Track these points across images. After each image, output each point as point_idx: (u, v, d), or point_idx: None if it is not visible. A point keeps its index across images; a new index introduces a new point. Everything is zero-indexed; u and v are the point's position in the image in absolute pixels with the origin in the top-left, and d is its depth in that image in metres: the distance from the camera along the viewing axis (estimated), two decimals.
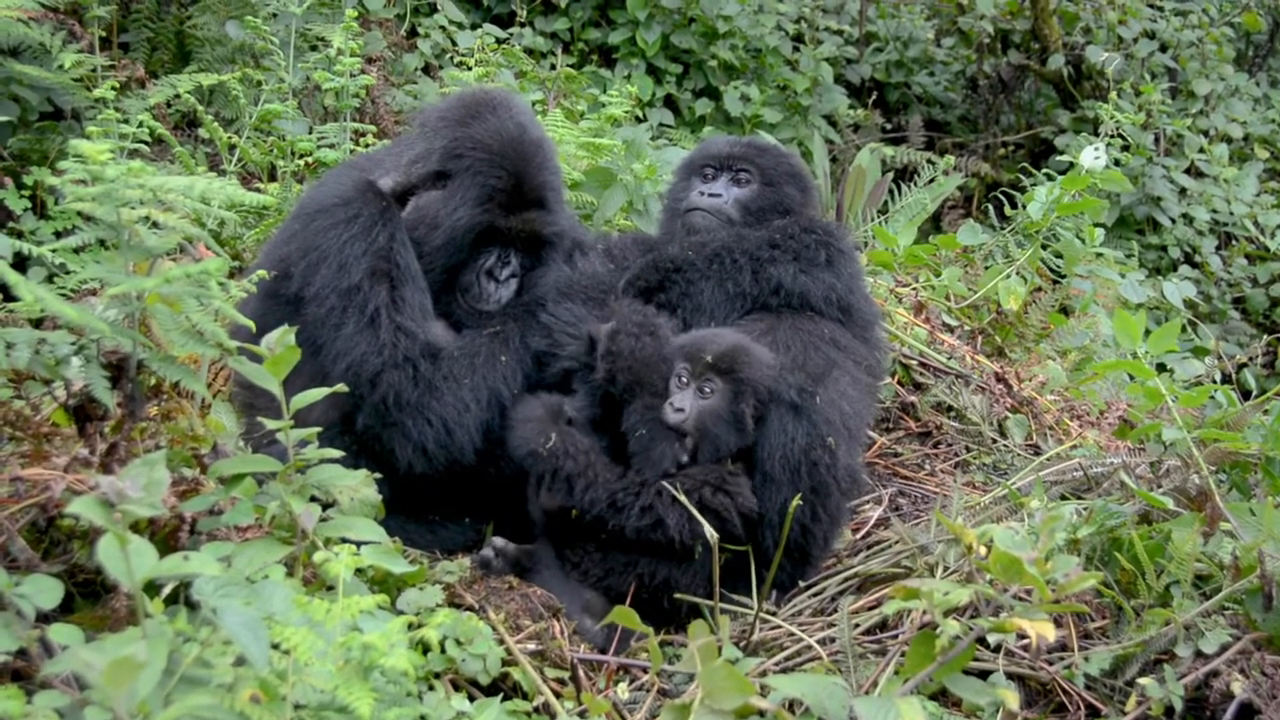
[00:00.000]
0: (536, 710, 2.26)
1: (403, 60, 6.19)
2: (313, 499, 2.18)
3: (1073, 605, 2.25)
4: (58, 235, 4.20)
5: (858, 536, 3.19)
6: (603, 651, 2.59)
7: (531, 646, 2.42)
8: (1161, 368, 5.07)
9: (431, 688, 2.16)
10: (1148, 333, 3.06)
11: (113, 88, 3.75)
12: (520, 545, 2.77)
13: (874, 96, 8.98)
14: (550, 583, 2.70)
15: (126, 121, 3.62)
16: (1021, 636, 2.05)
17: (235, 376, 3.08)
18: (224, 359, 2.25)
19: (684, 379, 2.72)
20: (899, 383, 4.01)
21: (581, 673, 2.39)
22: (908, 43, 9.36)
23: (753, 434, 2.71)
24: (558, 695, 2.31)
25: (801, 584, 2.86)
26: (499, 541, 2.76)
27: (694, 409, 2.69)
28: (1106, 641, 2.50)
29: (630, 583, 2.66)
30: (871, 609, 2.73)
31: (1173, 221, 7.84)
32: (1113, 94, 5.99)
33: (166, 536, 2.12)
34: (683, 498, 2.58)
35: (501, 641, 2.37)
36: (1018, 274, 4.68)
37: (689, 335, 2.81)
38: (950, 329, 4.49)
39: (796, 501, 2.58)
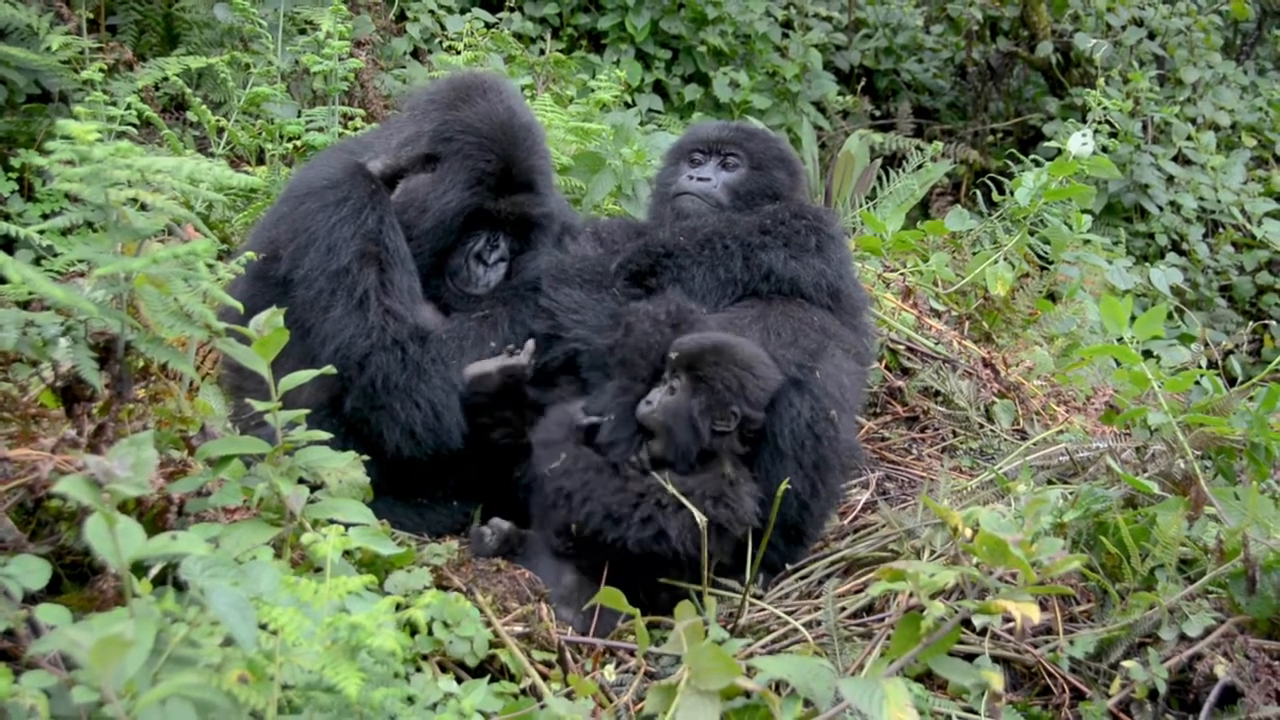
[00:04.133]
0: (523, 692, 2.26)
1: (391, 44, 6.17)
2: (301, 481, 2.18)
3: (1058, 588, 2.26)
4: (45, 217, 4.19)
5: (845, 521, 3.20)
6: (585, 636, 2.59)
7: (519, 629, 2.42)
8: (1148, 354, 5.09)
9: (419, 669, 2.17)
10: (1134, 318, 3.06)
11: (100, 70, 3.73)
12: (517, 529, 2.78)
13: (863, 83, 8.98)
14: (538, 568, 2.69)
15: (114, 104, 3.61)
16: (1007, 619, 2.05)
17: (223, 358, 3.07)
18: (212, 341, 2.25)
19: (665, 376, 2.72)
20: (886, 367, 4.02)
21: (568, 655, 2.40)
22: (897, 29, 9.36)
23: (709, 438, 2.67)
24: (544, 677, 2.32)
25: (789, 567, 2.87)
26: (496, 520, 2.77)
27: (659, 405, 2.68)
28: (1091, 625, 2.51)
29: (617, 567, 2.67)
30: (858, 593, 2.74)
31: (1160, 209, 7.86)
32: (1101, 81, 6.01)
33: (154, 518, 2.11)
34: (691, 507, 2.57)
35: (489, 624, 2.38)
36: (1005, 260, 4.70)
37: (687, 335, 2.76)
38: (938, 314, 4.50)
39: (785, 485, 2.59)
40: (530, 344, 2.86)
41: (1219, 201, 7.96)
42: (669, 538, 2.58)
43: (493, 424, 2.86)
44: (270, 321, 2.16)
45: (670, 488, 2.60)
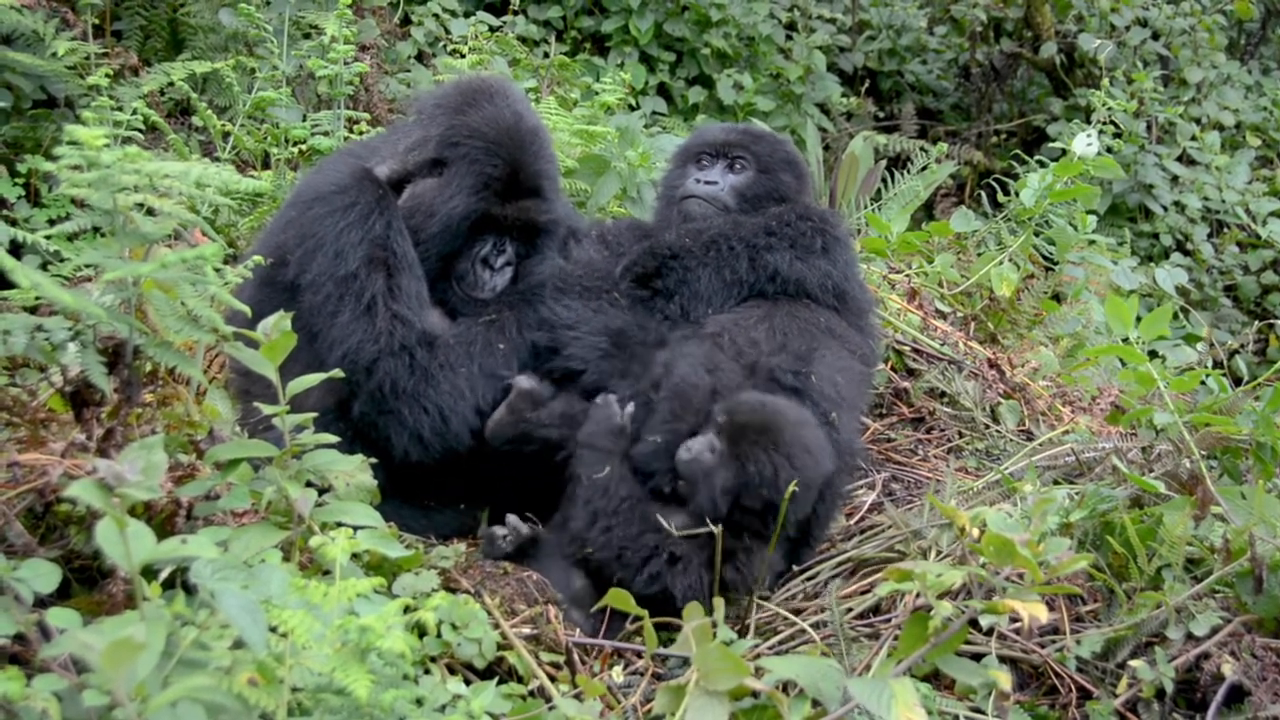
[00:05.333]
0: (531, 694, 2.27)
1: (396, 48, 6.18)
2: (309, 484, 2.19)
3: (1065, 587, 2.27)
4: (51, 223, 4.19)
5: (851, 521, 3.20)
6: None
7: (527, 631, 2.43)
8: (1153, 355, 5.08)
9: (428, 671, 2.17)
10: (1139, 319, 3.07)
11: (106, 75, 3.75)
12: (532, 529, 2.78)
13: (867, 85, 8.98)
14: (549, 571, 2.69)
15: (120, 109, 3.62)
16: (1014, 619, 2.06)
17: (231, 363, 3.08)
18: (220, 345, 2.26)
19: (709, 428, 2.66)
20: (892, 369, 4.03)
21: (576, 656, 2.40)
22: (900, 31, 9.36)
23: (725, 508, 2.60)
24: (553, 679, 2.32)
25: (796, 568, 2.87)
26: (513, 520, 2.77)
27: (696, 457, 2.61)
28: (1098, 624, 2.52)
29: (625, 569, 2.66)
30: (865, 593, 2.74)
31: (1165, 209, 7.85)
32: (1105, 82, 6.00)
33: (163, 522, 2.12)
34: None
35: (497, 625, 2.38)
36: (1010, 261, 4.70)
37: (746, 393, 2.71)
38: (943, 315, 4.51)
39: (793, 487, 2.59)
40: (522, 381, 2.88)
41: (1224, 201, 7.95)
42: (674, 597, 2.57)
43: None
44: (278, 326, 2.17)
45: (674, 533, 2.59)
